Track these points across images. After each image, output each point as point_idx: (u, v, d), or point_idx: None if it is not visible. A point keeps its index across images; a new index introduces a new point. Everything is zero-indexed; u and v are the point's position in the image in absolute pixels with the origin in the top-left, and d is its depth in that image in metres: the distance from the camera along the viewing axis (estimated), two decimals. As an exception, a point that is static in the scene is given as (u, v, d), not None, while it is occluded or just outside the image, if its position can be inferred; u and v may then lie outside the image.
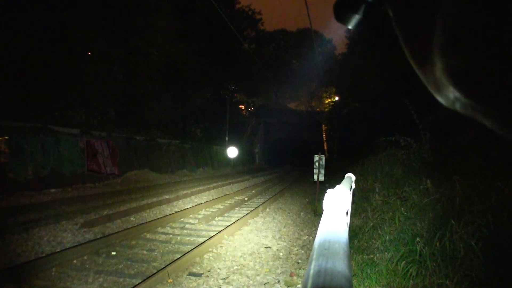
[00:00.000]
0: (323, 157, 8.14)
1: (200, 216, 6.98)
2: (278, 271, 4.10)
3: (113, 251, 4.60)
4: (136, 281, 3.49)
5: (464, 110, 0.27)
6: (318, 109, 41.37)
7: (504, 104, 0.23)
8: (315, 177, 8.03)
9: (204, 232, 5.80)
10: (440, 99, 0.29)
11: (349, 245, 0.65)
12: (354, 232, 4.91)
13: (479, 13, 0.21)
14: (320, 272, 0.45)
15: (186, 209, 7.47)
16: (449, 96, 0.27)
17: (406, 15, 0.29)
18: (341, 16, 0.44)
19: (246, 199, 9.78)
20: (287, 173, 22.25)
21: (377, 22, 0.43)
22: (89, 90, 13.10)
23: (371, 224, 4.78)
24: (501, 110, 0.24)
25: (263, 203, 8.63)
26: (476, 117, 0.26)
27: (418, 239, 3.40)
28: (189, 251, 4.30)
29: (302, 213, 7.91)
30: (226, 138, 23.59)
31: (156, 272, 3.58)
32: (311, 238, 5.69)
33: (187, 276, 3.82)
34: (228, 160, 23.52)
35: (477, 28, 0.21)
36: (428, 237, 3.39)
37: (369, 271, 3.50)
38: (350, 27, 0.45)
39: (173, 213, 6.89)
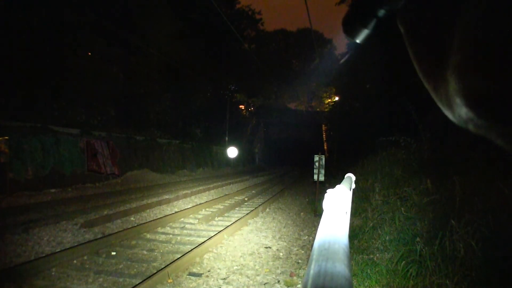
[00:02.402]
0: (323, 157, 8.14)
1: (200, 216, 6.98)
2: (278, 271, 4.10)
3: (113, 251, 4.60)
4: (136, 281, 3.49)
5: (477, 130, 0.26)
6: (318, 109, 41.38)
7: None
8: (315, 177, 8.03)
9: (204, 232, 5.80)
10: (451, 117, 0.28)
11: (349, 245, 0.65)
12: (354, 232, 4.91)
13: (505, 33, 0.20)
14: (320, 273, 0.45)
15: (186, 209, 7.47)
16: (461, 115, 0.26)
17: (419, 30, 0.28)
18: (350, 30, 0.43)
19: (246, 199, 9.77)
20: (287, 173, 22.25)
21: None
22: (89, 90, 13.10)
23: (371, 224, 4.78)
24: None
25: (263, 203, 8.63)
26: (489, 137, 0.25)
27: (418, 239, 3.40)
28: (189, 251, 4.30)
29: (302, 213, 7.91)
30: (226, 138, 23.59)
31: (156, 272, 3.58)
32: (311, 238, 5.69)
33: (187, 276, 3.82)
34: (228, 160, 23.52)
35: (502, 49, 0.20)
36: (428, 237, 3.39)
37: (369, 271, 3.50)
38: (358, 41, 0.44)
39: (173, 213, 6.89)
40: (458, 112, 0.26)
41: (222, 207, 8.23)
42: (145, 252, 4.66)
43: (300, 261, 4.52)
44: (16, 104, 9.81)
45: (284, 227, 6.42)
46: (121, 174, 13.15)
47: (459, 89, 0.24)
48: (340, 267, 0.47)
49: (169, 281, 3.60)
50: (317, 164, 8.00)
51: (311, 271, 0.46)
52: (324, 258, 0.49)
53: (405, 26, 0.29)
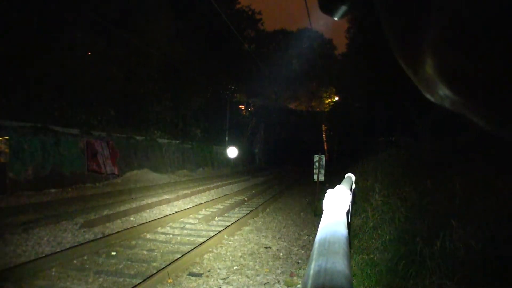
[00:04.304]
0: (323, 157, 8.15)
1: (200, 216, 6.98)
2: (278, 271, 4.10)
3: (113, 251, 4.60)
4: (136, 281, 3.49)
5: (453, 107, 0.26)
6: (318, 109, 41.38)
7: (500, 105, 0.22)
8: (315, 177, 8.03)
9: (204, 232, 5.80)
10: (428, 96, 0.28)
11: (349, 245, 0.65)
12: (354, 232, 4.91)
13: (483, 7, 0.20)
14: (320, 272, 0.45)
15: (186, 209, 7.47)
16: (439, 93, 0.26)
17: (395, 6, 0.27)
18: (327, 6, 0.41)
19: (246, 199, 9.77)
20: (287, 173, 22.24)
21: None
22: (89, 90, 13.09)
23: (371, 224, 4.77)
24: (496, 110, 0.23)
25: (263, 203, 8.63)
26: (465, 113, 0.25)
27: (418, 239, 3.40)
28: (189, 251, 4.30)
29: (302, 213, 7.91)
30: (226, 138, 23.58)
31: (156, 272, 3.58)
32: (311, 238, 5.69)
33: (187, 276, 3.81)
34: (228, 160, 23.52)
35: (479, 24, 0.20)
36: (428, 237, 3.39)
37: (369, 271, 3.50)
38: (336, 18, 0.42)
39: (173, 213, 6.89)
40: (436, 90, 0.26)
41: (222, 207, 8.23)
42: (145, 252, 4.66)
43: (300, 261, 4.52)
44: (16, 104, 9.80)
45: (284, 227, 6.42)
46: (121, 174, 13.14)
47: (435, 65, 0.24)
48: (340, 266, 0.47)
49: (169, 281, 3.60)
50: (317, 164, 8.00)
51: (311, 271, 0.46)
52: (324, 258, 0.49)
53: (380, 1, 0.28)
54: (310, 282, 0.43)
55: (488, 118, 0.24)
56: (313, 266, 0.47)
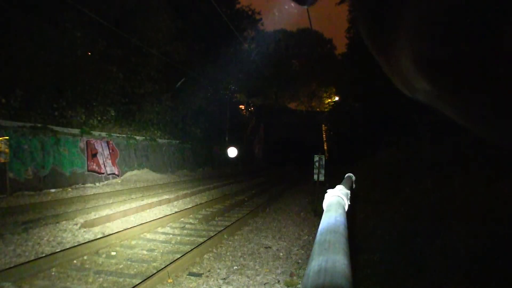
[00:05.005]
0: (323, 157, 8.15)
1: (200, 216, 6.98)
2: (278, 271, 4.10)
3: (113, 251, 4.60)
4: (136, 281, 3.49)
5: (427, 99, 0.25)
6: (318, 109, 41.39)
7: (473, 96, 0.22)
8: (315, 177, 8.03)
9: (204, 232, 5.80)
10: (402, 88, 0.28)
11: (349, 245, 0.65)
12: (354, 232, 4.91)
13: None
14: (320, 272, 0.45)
15: (186, 209, 7.47)
16: (414, 85, 0.25)
17: None
18: None
19: (246, 199, 9.77)
20: (287, 173, 22.24)
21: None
22: (89, 90, 13.09)
23: (371, 224, 4.78)
24: (468, 102, 0.23)
25: (263, 203, 8.62)
26: (438, 106, 0.25)
27: (418, 239, 3.40)
28: (189, 251, 4.30)
29: (302, 213, 7.91)
30: (226, 138, 23.59)
31: (156, 272, 3.58)
32: (311, 238, 5.69)
33: (187, 276, 3.81)
34: (228, 160, 23.51)
35: (457, 12, 0.19)
36: (428, 237, 3.39)
37: (369, 271, 3.50)
38: (306, 6, 0.41)
39: (173, 213, 6.89)
40: (411, 81, 0.25)
41: (222, 207, 8.23)
42: (145, 252, 4.66)
43: (300, 261, 4.52)
44: (16, 104, 9.80)
45: (284, 227, 6.42)
46: (121, 174, 13.15)
47: (411, 55, 0.23)
48: (340, 266, 0.47)
49: (169, 281, 3.60)
50: (317, 164, 8.00)
51: (311, 271, 0.46)
52: (324, 258, 0.49)
53: None
54: (310, 282, 0.43)
55: (460, 110, 0.24)
56: (313, 266, 0.47)
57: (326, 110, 37.09)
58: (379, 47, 0.27)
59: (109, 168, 12.55)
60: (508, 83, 0.20)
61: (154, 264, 4.21)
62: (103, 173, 12.12)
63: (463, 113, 0.24)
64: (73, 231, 5.43)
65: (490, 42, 0.19)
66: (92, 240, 4.73)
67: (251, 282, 3.73)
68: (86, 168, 11.34)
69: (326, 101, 41.24)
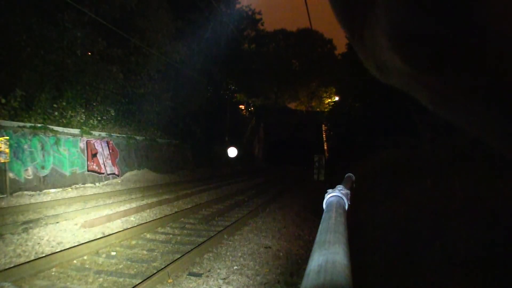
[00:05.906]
0: (323, 157, 8.15)
1: (200, 216, 6.98)
2: (278, 271, 4.10)
3: (113, 251, 4.60)
4: (136, 281, 3.49)
5: (400, 82, 0.24)
6: (318, 109, 41.39)
7: (455, 76, 0.20)
8: (315, 176, 8.03)
9: (204, 232, 5.80)
10: (376, 73, 0.26)
11: (349, 245, 0.65)
12: (354, 231, 4.91)
13: None
14: (320, 272, 0.45)
15: (186, 209, 7.47)
16: (387, 64, 0.23)
17: None
18: None
19: (246, 199, 9.77)
20: (287, 173, 22.23)
21: None
22: (89, 90, 13.09)
23: (371, 224, 4.78)
24: (442, 80, 0.21)
25: (263, 203, 8.62)
26: (411, 89, 0.23)
27: (418, 239, 3.40)
28: (189, 251, 4.30)
29: (302, 213, 7.91)
30: (226, 138, 23.59)
31: (156, 272, 3.58)
32: (311, 238, 5.69)
33: (187, 276, 3.81)
34: (228, 160, 23.51)
35: None
36: (428, 237, 3.39)
37: (369, 271, 3.50)
38: None
39: (173, 213, 6.89)
40: (384, 62, 0.23)
41: (222, 207, 8.23)
42: (145, 252, 4.66)
43: (300, 261, 4.52)
44: (16, 104, 9.79)
45: (284, 227, 6.42)
46: (121, 174, 13.14)
47: (386, 29, 0.21)
48: (340, 266, 0.47)
49: (169, 281, 3.60)
50: (317, 164, 8.01)
51: (311, 271, 0.46)
52: (324, 258, 0.49)
53: None
54: (310, 282, 0.43)
55: (439, 94, 0.22)
56: (313, 266, 0.47)
57: (326, 110, 37.07)
58: (353, 24, 0.25)
59: (109, 168, 12.54)
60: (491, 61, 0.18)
61: (154, 264, 4.21)
62: (103, 173, 12.12)
63: (442, 98, 0.22)
64: (73, 231, 5.43)
65: (462, 16, 0.18)
66: (92, 240, 4.73)
67: (251, 282, 3.73)
68: (86, 168, 11.34)
69: (326, 101, 41.24)
